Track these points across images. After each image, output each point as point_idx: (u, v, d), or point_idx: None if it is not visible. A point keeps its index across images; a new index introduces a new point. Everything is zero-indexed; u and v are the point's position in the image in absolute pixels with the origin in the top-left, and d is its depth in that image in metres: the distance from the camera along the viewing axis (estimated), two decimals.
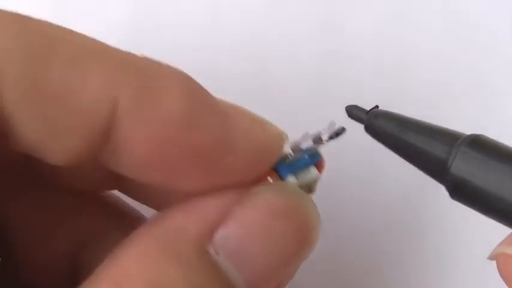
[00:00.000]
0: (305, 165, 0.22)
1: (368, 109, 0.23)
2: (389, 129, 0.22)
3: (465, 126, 0.21)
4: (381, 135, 0.22)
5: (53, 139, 0.18)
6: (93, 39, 0.19)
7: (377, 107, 0.23)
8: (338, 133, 0.22)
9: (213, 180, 0.20)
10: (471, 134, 0.20)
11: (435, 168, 0.20)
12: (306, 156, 0.22)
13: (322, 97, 0.31)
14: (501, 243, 0.21)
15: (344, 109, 0.24)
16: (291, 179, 0.22)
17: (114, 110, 0.18)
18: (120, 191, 0.26)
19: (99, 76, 0.18)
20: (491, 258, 0.21)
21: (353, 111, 0.23)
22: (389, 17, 0.33)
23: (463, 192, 0.20)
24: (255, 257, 0.20)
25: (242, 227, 0.20)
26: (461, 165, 0.20)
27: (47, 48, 0.17)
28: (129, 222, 0.25)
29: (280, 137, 0.21)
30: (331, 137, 0.22)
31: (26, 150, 0.18)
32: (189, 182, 0.20)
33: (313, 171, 0.22)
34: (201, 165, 0.20)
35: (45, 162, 0.19)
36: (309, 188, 0.23)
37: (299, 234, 0.21)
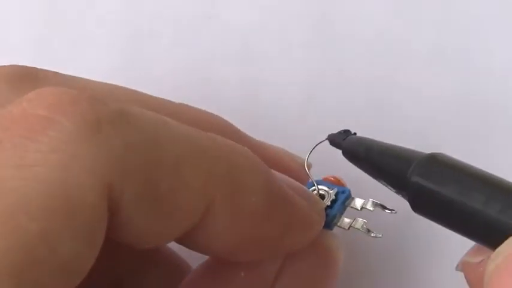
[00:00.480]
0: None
1: (345, 136, 0.25)
2: (361, 154, 0.24)
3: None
4: (354, 159, 0.24)
5: (155, 234, 0.19)
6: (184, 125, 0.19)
7: (355, 133, 0.25)
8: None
9: (268, 256, 0.22)
10: (430, 153, 0.22)
11: (398, 184, 0.22)
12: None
13: (314, 102, 0.31)
14: (467, 253, 0.21)
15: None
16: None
17: (208, 208, 0.19)
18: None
19: (197, 181, 0.18)
20: (458, 269, 0.22)
21: (333, 138, 0.25)
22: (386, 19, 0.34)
23: (422, 204, 0.21)
24: None
25: (295, 280, 0.23)
26: (419, 179, 0.21)
27: (155, 153, 0.18)
28: (163, 260, 0.26)
29: (322, 214, 0.24)
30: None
31: (126, 241, 0.19)
32: (250, 258, 0.22)
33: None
34: (265, 246, 0.21)
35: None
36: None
37: (333, 277, 0.24)
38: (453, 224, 0.21)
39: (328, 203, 0.25)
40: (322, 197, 0.25)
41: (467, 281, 0.21)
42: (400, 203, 0.22)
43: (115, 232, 0.18)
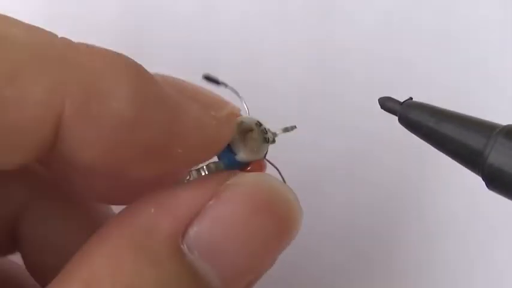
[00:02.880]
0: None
1: (402, 101, 0.23)
2: (424, 121, 0.22)
3: None
4: (415, 126, 0.22)
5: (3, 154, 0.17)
6: (33, 30, 0.18)
7: (411, 98, 0.23)
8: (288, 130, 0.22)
9: (164, 169, 0.20)
10: (508, 125, 0.20)
11: (471, 159, 0.20)
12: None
13: (314, 94, 0.31)
14: None
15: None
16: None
17: (59, 120, 0.17)
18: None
19: (41, 89, 0.17)
20: None
21: (386, 103, 0.23)
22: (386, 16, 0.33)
23: (500, 181, 0.20)
24: (231, 254, 0.19)
25: (217, 223, 0.19)
26: (499, 155, 0.20)
27: None
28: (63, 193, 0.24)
29: (230, 123, 0.21)
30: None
31: None
32: (140, 172, 0.20)
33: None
34: (151, 159, 0.19)
35: None
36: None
37: (278, 228, 0.20)
38: None
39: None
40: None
41: None
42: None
43: None
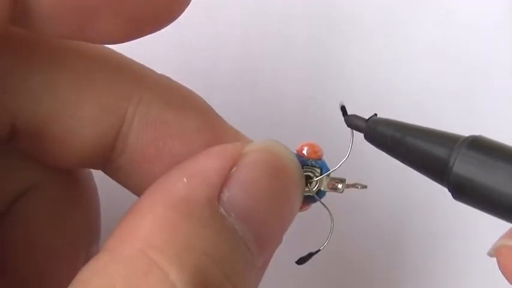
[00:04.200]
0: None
1: (367, 117, 0.23)
2: (390, 136, 0.22)
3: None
4: (381, 142, 0.23)
5: None
6: None
7: (375, 115, 0.23)
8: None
9: (131, 26, 0.20)
10: (470, 135, 0.21)
11: (437, 171, 0.21)
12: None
13: (314, 103, 0.31)
14: (502, 237, 0.21)
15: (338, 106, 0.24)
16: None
17: None
18: (104, 171, 0.25)
19: None
20: (491, 254, 0.21)
21: (352, 121, 0.24)
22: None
23: (466, 192, 0.20)
24: (261, 214, 0.21)
25: (244, 187, 0.21)
26: (463, 166, 0.20)
27: None
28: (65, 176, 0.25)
29: None
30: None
31: None
32: (106, 28, 0.20)
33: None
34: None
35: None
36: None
37: (291, 188, 0.22)
38: (498, 210, 0.20)
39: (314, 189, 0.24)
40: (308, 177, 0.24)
41: (502, 267, 0.21)
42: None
43: None
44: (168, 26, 0.31)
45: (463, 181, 0.20)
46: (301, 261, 0.24)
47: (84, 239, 0.25)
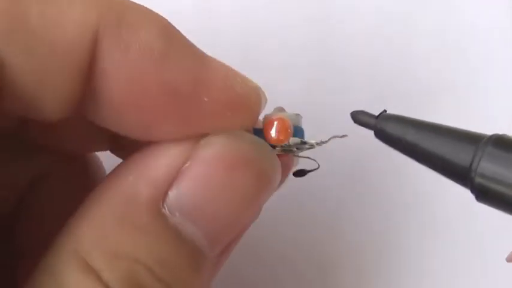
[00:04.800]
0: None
1: (376, 114, 0.22)
2: (404, 134, 0.21)
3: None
4: (394, 140, 0.21)
5: (43, 78, 0.18)
6: None
7: (385, 111, 0.22)
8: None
9: (189, 124, 0.20)
10: (494, 134, 0.19)
11: (458, 172, 0.20)
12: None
13: (314, 104, 0.30)
14: None
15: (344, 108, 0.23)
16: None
17: (94, 43, 0.18)
18: (112, 151, 0.25)
19: (77, 9, 0.18)
20: (509, 259, 0.20)
21: (360, 117, 0.22)
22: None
23: (491, 193, 0.19)
24: (211, 211, 0.20)
25: (195, 184, 0.20)
26: (489, 166, 0.19)
27: None
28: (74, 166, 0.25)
29: (259, 93, 0.21)
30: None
31: (21, 109, 0.18)
32: (166, 126, 0.20)
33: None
34: (178, 105, 0.19)
35: (38, 123, 0.19)
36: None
37: (256, 183, 0.20)
38: None
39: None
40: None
41: None
42: None
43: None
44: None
45: (488, 183, 0.19)
46: (297, 173, 0.24)
47: None
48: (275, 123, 0.21)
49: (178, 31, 0.20)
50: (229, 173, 0.20)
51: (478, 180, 0.19)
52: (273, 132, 0.21)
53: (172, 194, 0.19)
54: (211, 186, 0.20)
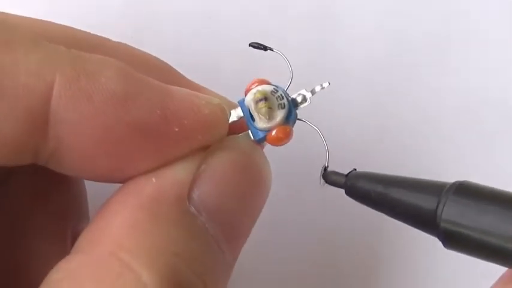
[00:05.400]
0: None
1: (346, 173, 0.23)
2: (372, 189, 0.22)
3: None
4: (363, 197, 0.22)
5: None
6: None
7: (355, 169, 0.23)
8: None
9: (162, 156, 0.20)
10: (455, 182, 0.20)
11: (425, 220, 0.20)
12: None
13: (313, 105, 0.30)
14: (499, 281, 0.20)
15: None
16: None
17: (50, 92, 0.18)
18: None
19: (32, 60, 0.18)
20: None
21: (330, 177, 0.23)
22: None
23: (457, 239, 0.20)
24: (231, 212, 0.21)
25: (214, 185, 0.21)
26: (452, 213, 0.20)
27: None
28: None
29: (224, 108, 0.22)
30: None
31: None
32: (138, 164, 0.20)
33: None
34: (149, 141, 0.20)
35: None
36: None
37: (258, 183, 0.22)
38: (491, 256, 0.19)
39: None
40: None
41: None
42: None
43: None
44: (167, 25, 0.33)
45: (453, 229, 0.20)
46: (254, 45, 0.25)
47: (69, 216, 0.24)
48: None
49: (135, 72, 0.20)
50: (241, 175, 0.21)
51: (443, 226, 0.20)
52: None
53: (195, 194, 0.20)
54: (228, 188, 0.21)
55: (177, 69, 0.26)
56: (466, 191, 0.20)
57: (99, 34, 0.24)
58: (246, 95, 0.23)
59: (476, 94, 0.33)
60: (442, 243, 0.20)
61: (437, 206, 0.20)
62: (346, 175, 0.23)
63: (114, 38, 0.24)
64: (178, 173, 0.20)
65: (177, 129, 0.20)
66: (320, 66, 0.33)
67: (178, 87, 0.21)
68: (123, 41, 0.25)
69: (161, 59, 0.25)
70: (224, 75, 0.32)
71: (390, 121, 0.32)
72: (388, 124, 0.32)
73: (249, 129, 0.23)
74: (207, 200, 0.20)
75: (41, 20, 0.22)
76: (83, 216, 0.25)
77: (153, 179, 0.20)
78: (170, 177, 0.20)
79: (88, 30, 0.23)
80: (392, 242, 0.31)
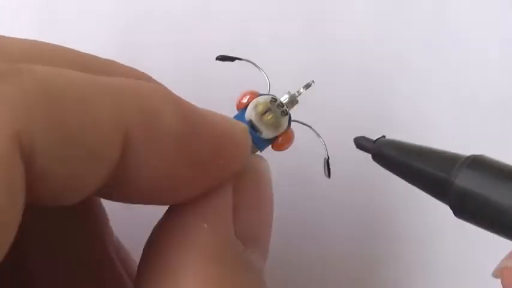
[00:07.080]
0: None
1: (374, 139, 0.24)
2: (395, 157, 0.23)
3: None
4: (387, 163, 0.23)
5: (75, 181, 0.18)
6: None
7: (384, 136, 0.24)
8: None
9: (204, 185, 0.21)
10: (471, 155, 0.21)
11: (439, 189, 0.21)
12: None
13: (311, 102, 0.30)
14: (506, 258, 0.21)
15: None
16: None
17: (126, 139, 0.18)
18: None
19: (107, 113, 0.18)
20: (496, 275, 0.21)
21: (360, 142, 0.25)
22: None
23: (466, 209, 0.21)
24: (265, 237, 0.22)
25: (249, 216, 0.22)
26: (463, 183, 0.21)
27: (59, 94, 0.17)
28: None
29: (246, 132, 0.22)
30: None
31: (46, 201, 0.18)
32: (185, 191, 0.21)
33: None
34: (198, 171, 0.20)
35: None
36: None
37: (273, 198, 0.23)
38: (499, 227, 0.20)
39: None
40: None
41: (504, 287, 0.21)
42: None
43: (35, 188, 0.17)
44: (165, 25, 0.32)
45: (463, 198, 0.21)
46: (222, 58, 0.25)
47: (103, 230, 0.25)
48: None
49: (189, 104, 0.20)
50: (263, 197, 0.23)
51: (454, 196, 0.21)
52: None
53: (239, 228, 0.21)
54: (259, 215, 0.22)
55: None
56: (481, 162, 0.21)
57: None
58: (238, 109, 0.24)
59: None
60: (453, 212, 0.21)
61: (450, 177, 0.21)
62: (374, 141, 0.24)
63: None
64: (222, 212, 0.21)
65: (222, 162, 0.21)
66: (317, 63, 0.33)
67: (221, 120, 0.22)
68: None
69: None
70: (219, 75, 0.32)
71: (387, 120, 0.32)
72: (387, 123, 0.32)
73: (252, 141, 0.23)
74: (247, 232, 0.21)
75: (45, 43, 0.22)
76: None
77: (205, 225, 0.21)
78: (218, 219, 0.21)
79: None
80: (392, 242, 0.32)
